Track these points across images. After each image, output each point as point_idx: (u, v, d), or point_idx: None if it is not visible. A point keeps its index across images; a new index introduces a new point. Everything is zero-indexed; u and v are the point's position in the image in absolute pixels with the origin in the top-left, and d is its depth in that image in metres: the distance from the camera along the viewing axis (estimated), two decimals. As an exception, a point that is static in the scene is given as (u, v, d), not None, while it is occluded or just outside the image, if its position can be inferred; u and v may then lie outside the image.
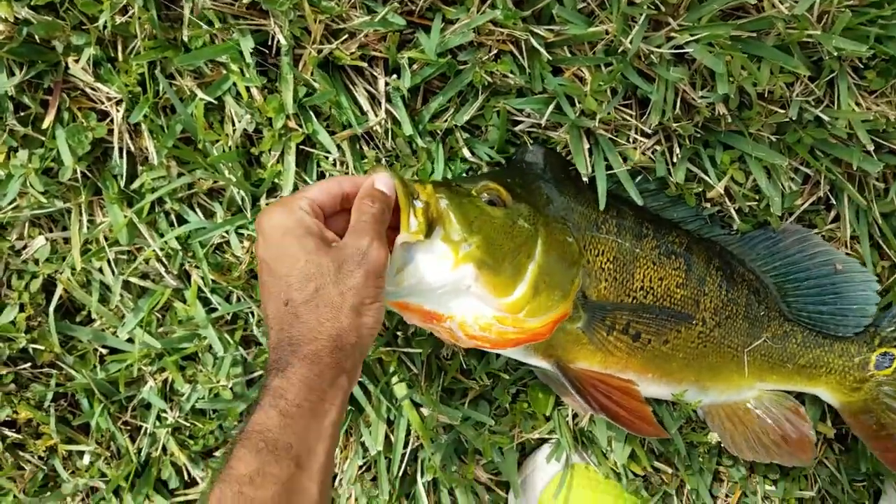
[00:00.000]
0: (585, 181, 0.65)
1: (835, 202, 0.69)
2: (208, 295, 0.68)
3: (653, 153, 0.66)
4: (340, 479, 0.71)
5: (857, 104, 0.64)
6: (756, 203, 0.68)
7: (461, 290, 0.57)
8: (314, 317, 0.48)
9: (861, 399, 0.69)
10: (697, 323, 0.67)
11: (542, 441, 0.74)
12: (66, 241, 0.68)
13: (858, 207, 0.69)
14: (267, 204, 0.66)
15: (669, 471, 0.73)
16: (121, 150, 0.66)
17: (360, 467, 0.70)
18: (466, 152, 0.65)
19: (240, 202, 0.66)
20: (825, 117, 0.64)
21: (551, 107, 0.63)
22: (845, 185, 0.67)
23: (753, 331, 0.69)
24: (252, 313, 0.68)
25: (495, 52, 0.63)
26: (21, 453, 0.71)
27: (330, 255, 0.49)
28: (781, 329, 0.69)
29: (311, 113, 0.65)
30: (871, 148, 0.63)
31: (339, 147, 0.65)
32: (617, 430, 0.71)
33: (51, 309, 0.68)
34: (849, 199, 0.68)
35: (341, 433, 0.69)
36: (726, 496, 0.75)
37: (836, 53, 0.61)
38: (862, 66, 0.64)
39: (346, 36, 0.62)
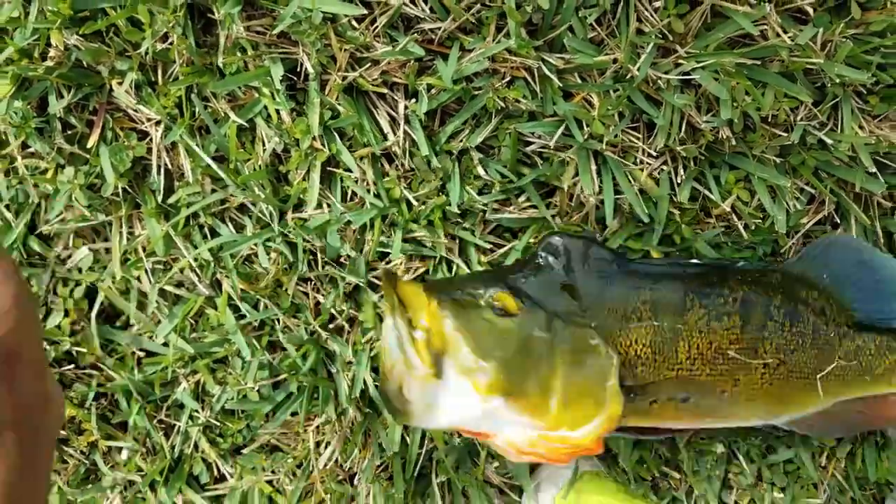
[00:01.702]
0: (615, 264, 0.63)
1: (839, 221, 0.71)
2: (238, 303, 0.72)
3: (659, 174, 0.69)
4: (359, 478, 0.75)
5: (861, 128, 0.66)
6: (761, 221, 0.70)
7: (497, 417, 0.57)
8: None
9: None
10: (758, 368, 0.64)
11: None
12: (108, 251, 0.73)
13: (865, 226, 0.71)
14: (293, 218, 0.70)
15: (678, 476, 0.75)
16: (159, 167, 0.71)
17: (378, 467, 0.74)
18: (480, 170, 0.68)
19: (268, 217, 0.70)
20: (828, 140, 0.66)
21: (560, 130, 0.66)
22: (850, 205, 0.69)
23: (824, 355, 0.66)
24: (278, 320, 0.72)
25: (509, 78, 0.67)
26: (65, 448, 0.76)
27: None
28: (854, 344, 0.66)
29: (336, 134, 0.69)
30: (873, 170, 0.65)
31: (360, 167, 0.69)
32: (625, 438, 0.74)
33: (93, 314, 0.73)
34: (854, 217, 0.70)
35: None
36: (735, 502, 0.77)
37: (838, 81, 0.63)
38: (865, 92, 0.66)
39: (369, 64, 0.66)
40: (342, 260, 0.72)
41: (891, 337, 0.67)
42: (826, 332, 0.66)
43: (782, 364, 0.65)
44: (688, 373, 0.63)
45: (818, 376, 0.65)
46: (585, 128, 0.66)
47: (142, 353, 0.75)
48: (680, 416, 0.66)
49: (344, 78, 0.66)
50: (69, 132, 0.71)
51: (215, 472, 0.77)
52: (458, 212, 0.69)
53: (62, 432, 0.75)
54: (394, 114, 0.69)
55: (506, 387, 0.56)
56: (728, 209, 0.69)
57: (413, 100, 0.68)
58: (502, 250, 0.72)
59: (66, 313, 0.73)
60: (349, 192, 0.71)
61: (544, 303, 0.60)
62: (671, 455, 0.77)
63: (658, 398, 0.63)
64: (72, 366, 0.74)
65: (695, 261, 0.67)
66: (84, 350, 0.73)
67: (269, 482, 0.77)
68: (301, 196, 0.70)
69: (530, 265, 0.62)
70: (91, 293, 0.74)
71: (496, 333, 0.57)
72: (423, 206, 0.69)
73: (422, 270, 0.72)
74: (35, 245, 0.73)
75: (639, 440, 0.75)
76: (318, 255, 0.71)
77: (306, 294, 0.73)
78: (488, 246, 0.71)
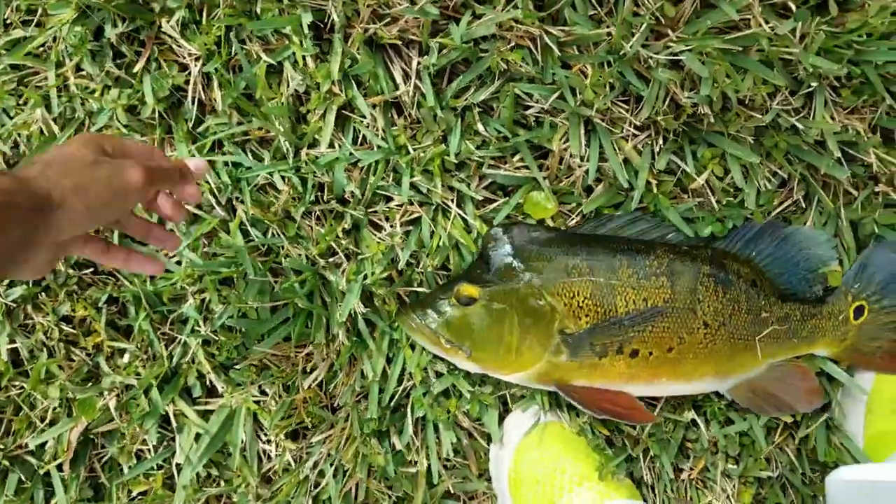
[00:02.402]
0: (553, 236, 0.75)
1: (804, 206, 0.76)
2: (248, 228, 0.79)
3: (643, 147, 0.75)
4: (339, 402, 0.80)
5: (832, 118, 0.72)
6: (733, 198, 0.75)
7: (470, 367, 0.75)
8: (27, 168, 0.51)
9: (849, 344, 0.79)
10: (699, 328, 0.74)
11: (523, 396, 0.82)
12: (138, 170, 0.81)
13: (829, 211, 0.76)
14: (307, 153, 0.77)
15: (634, 433, 0.79)
16: (193, 98, 0.78)
17: (358, 393, 0.79)
18: (480, 127, 0.75)
19: (284, 151, 0.78)
20: (800, 126, 0.72)
21: (555, 95, 0.73)
22: (816, 189, 0.75)
23: (759, 320, 0.76)
24: (282, 247, 0.79)
25: (513, 44, 0.74)
26: (72, 348, 0.82)
27: (96, 156, 0.55)
28: (783, 311, 0.77)
29: (353, 82, 0.76)
30: (838, 156, 0.71)
31: (372, 114, 0.76)
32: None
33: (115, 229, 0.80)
34: (819, 202, 0.75)
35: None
36: (690, 469, 0.81)
37: (812, 70, 0.70)
38: (838, 86, 0.72)
39: (388, 19, 0.74)
40: (346, 197, 0.78)
41: (811, 305, 0.78)
42: (758, 300, 0.76)
43: (722, 326, 0.74)
44: (630, 327, 0.73)
45: (758, 338, 0.75)
46: (578, 95, 0.73)
47: (155, 268, 0.82)
48: (631, 374, 0.74)
49: (365, 30, 0.74)
50: (118, 60, 0.79)
51: (208, 386, 0.83)
52: (456, 162, 0.76)
53: (72, 330, 0.81)
54: (407, 68, 0.76)
55: (477, 356, 0.73)
56: (703, 183, 0.74)
57: (425, 56, 0.75)
58: (495, 205, 0.78)
59: (93, 221, 0.80)
60: (360, 137, 0.78)
61: (499, 281, 0.73)
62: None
63: (606, 350, 0.73)
64: (90, 270, 0.81)
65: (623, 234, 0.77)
66: (104, 256, 0.80)
67: (257, 402, 0.82)
68: (316, 136, 0.77)
69: (482, 257, 0.75)
70: (117, 207, 0.81)
71: (465, 318, 0.73)
72: (423, 154, 0.75)
73: (416, 216, 0.78)
74: (74, 158, 0.80)
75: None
76: (325, 192, 0.78)
77: (311, 227, 0.79)
78: (481, 198, 0.77)
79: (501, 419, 0.83)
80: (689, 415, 0.79)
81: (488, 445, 0.83)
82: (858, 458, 0.79)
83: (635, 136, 0.75)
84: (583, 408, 0.72)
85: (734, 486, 0.80)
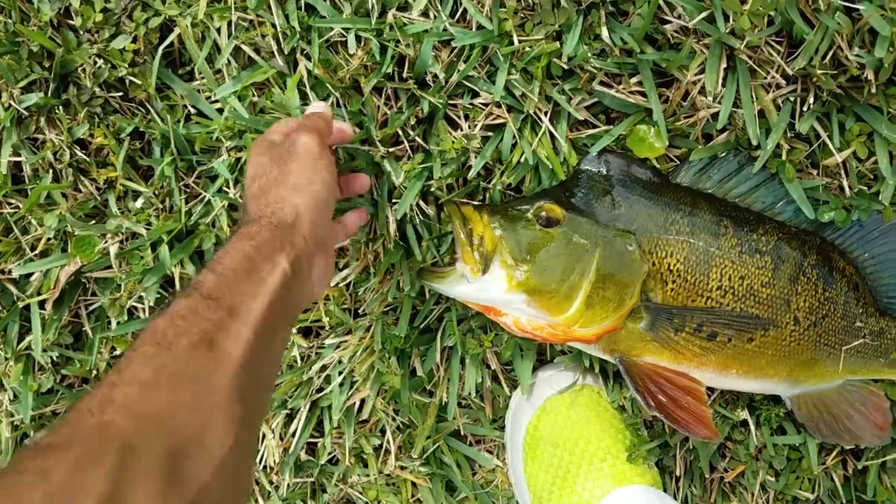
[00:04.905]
0: (656, 180, 0.65)
1: (947, 215, 0.66)
2: (307, 90, 0.68)
3: (783, 101, 0.64)
4: (365, 309, 0.71)
5: None
6: (866, 187, 0.65)
7: (514, 306, 0.62)
8: (257, 205, 0.53)
9: None
10: (788, 323, 0.65)
11: (563, 352, 0.73)
12: (196, -8, 0.69)
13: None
14: (394, 15, 0.65)
15: (679, 420, 0.71)
16: (276, -80, 0.66)
17: (388, 305, 0.70)
18: (604, 32, 0.64)
19: (369, 7, 0.66)
20: (974, 121, 0.61)
21: (704, 14, 0.61)
22: (966, 199, 0.64)
23: (851, 329, 0.67)
24: (344, 119, 0.68)
25: (670, -57, 0.62)
26: (82, 177, 0.73)
27: (269, 152, 0.55)
28: (878, 325, 0.68)
29: (468, -57, 0.64)
30: None
31: (481, -12, 0.64)
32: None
33: (160, 48, 0.69)
34: (963, 215, 0.65)
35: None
36: (724, 470, 0.73)
37: None
38: None
39: None
40: (427, 80, 0.67)
41: None
42: (855, 307, 0.67)
43: (813, 327, 0.65)
44: (717, 305, 0.63)
45: (844, 348, 0.66)
46: (730, 21, 0.61)
47: (193, 111, 0.71)
48: (703, 357, 0.65)
49: None
50: None
51: (223, 255, 0.73)
52: (564, 68, 0.64)
53: (85, 157, 0.71)
54: (535, -57, 0.64)
55: (532, 286, 0.61)
56: (840, 161, 0.64)
57: (562, -67, 0.63)
58: (594, 130, 0.67)
59: (134, 40, 0.69)
60: (459, 11, 0.66)
61: (587, 212, 0.63)
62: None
63: (684, 325, 0.63)
64: (120, 94, 0.71)
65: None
66: (139, 82, 0.70)
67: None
68: (410, -1, 0.66)
69: (575, 179, 0.64)
70: (165, 31, 0.70)
71: (538, 240, 0.61)
72: (529, 49, 0.64)
73: (501, 122, 0.67)
74: (125, -40, 0.69)
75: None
76: (405, 69, 0.67)
77: (378, 106, 0.69)
78: (581, 118, 0.66)
79: (534, 370, 0.74)
80: (742, 414, 0.71)
81: (509, 392, 0.75)
82: None
83: (779, 87, 0.63)
84: (636, 395, 0.63)
85: (767, 501, 0.72)
